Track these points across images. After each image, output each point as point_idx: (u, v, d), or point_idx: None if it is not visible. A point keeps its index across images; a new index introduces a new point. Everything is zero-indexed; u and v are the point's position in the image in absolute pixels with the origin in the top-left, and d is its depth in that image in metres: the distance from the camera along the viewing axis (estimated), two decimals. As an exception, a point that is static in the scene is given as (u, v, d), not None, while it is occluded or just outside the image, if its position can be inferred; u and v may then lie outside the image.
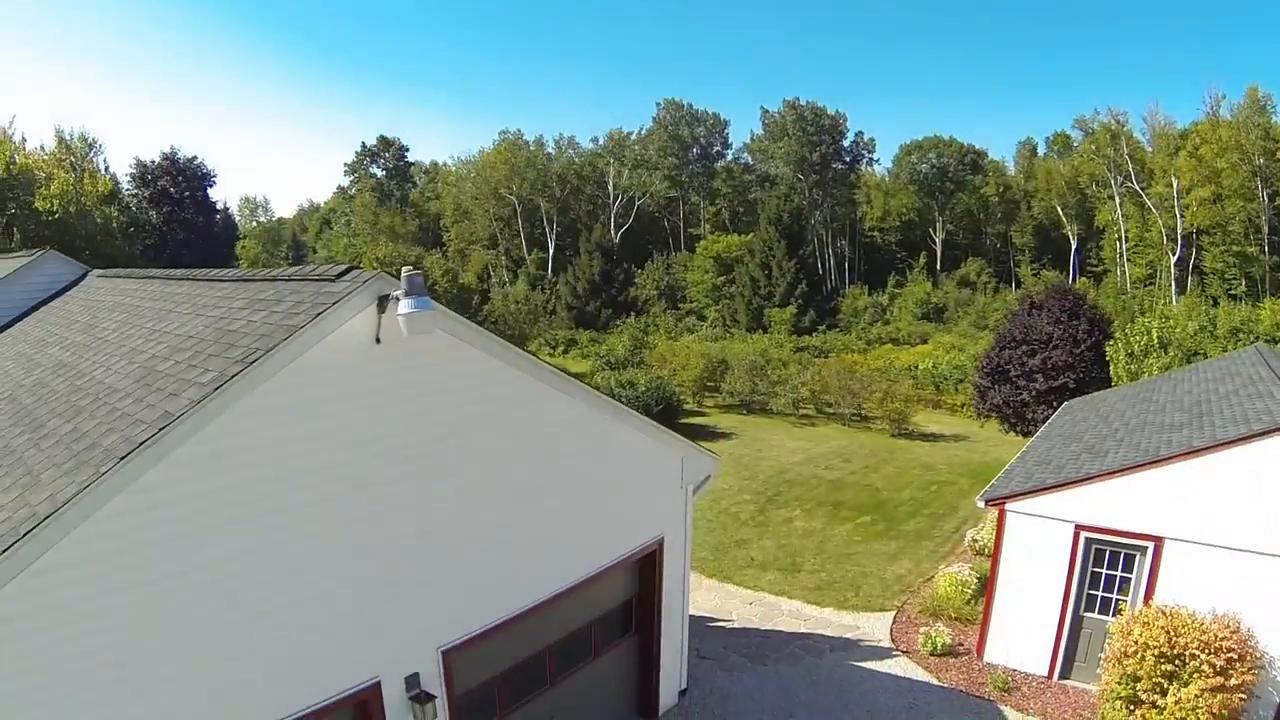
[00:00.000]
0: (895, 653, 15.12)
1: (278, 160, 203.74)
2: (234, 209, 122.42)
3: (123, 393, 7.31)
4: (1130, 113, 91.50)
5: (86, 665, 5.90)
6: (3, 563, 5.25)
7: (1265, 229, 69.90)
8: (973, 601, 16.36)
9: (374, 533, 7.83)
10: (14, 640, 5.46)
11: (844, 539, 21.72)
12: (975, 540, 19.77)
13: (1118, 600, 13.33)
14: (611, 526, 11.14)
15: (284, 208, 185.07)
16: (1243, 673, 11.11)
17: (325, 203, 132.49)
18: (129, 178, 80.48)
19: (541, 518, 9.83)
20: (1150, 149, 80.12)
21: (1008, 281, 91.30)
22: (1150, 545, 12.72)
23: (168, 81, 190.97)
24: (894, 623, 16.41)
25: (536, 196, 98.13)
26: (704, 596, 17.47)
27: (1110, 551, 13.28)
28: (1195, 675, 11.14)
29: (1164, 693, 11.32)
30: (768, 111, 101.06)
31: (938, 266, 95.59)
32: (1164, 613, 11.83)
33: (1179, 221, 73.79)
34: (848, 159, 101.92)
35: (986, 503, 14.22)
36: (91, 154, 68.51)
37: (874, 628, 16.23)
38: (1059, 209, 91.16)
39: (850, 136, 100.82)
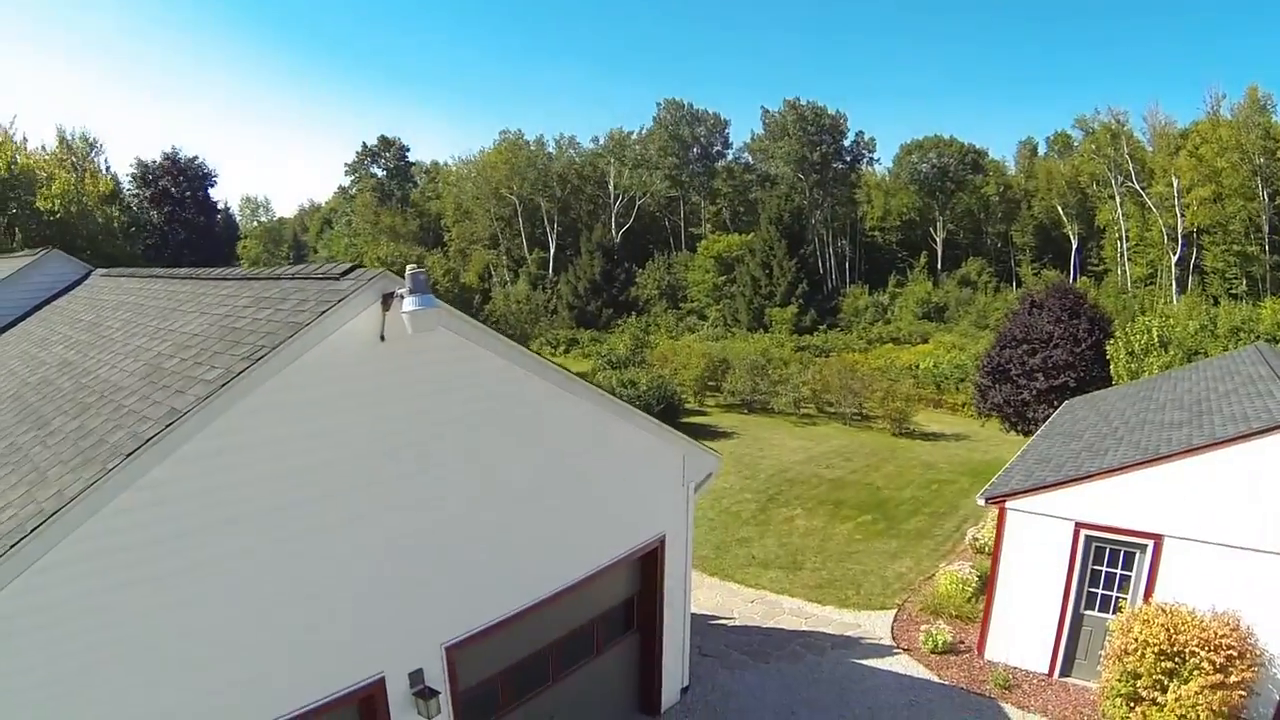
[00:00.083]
0: (896, 650, 15.16)
1: (278, 160, 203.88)
2: (235, 209, 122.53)
3: (129, 390, 7.36)
4: (1130, 112, 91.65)
5: (92, 661, 5.94)
6: (9, 559, 5.28)
7: (1266, 228, 69.92)
8: (973, 600, 16.40)
9: (378, 530, 7.87)
10: (21, 635, 5.50)
11: (845, 537, 21.77)
12: (976, 539, 19.81)
13: (1118, 598, 13.37)
14: (613, 524, 11.19)
15: (285, 208, 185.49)
16: (1242, 670, 11.16)
17: (326, 203, 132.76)
18: (130, 178, 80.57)
19: (544, 515, 9.88)
20: (1150, 148, 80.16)
21: (1008, 281, 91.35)
22: (1150, 543, 12.75)
23: (168, 81, 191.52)
24: (895, 621, 16.45)
25: (537, 196, 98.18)
26: (706, 594, 17.51)
27: (1110, 549, 13.31)
28: (1195, 672, 11.19)
29: (1164, 690, 11.38)
30: (768, 111, 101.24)
31: (938, 266, 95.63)
32: (1164, 610, 11.88)
33: (1179, 221, 73.81)
34: (848, 158, 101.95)
35: (987, 501, 14.26)
36: (92, 154, 68.59)
37: (875, 626, 16.27)
38: (1059, 208, 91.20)
39: (851, 136, 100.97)
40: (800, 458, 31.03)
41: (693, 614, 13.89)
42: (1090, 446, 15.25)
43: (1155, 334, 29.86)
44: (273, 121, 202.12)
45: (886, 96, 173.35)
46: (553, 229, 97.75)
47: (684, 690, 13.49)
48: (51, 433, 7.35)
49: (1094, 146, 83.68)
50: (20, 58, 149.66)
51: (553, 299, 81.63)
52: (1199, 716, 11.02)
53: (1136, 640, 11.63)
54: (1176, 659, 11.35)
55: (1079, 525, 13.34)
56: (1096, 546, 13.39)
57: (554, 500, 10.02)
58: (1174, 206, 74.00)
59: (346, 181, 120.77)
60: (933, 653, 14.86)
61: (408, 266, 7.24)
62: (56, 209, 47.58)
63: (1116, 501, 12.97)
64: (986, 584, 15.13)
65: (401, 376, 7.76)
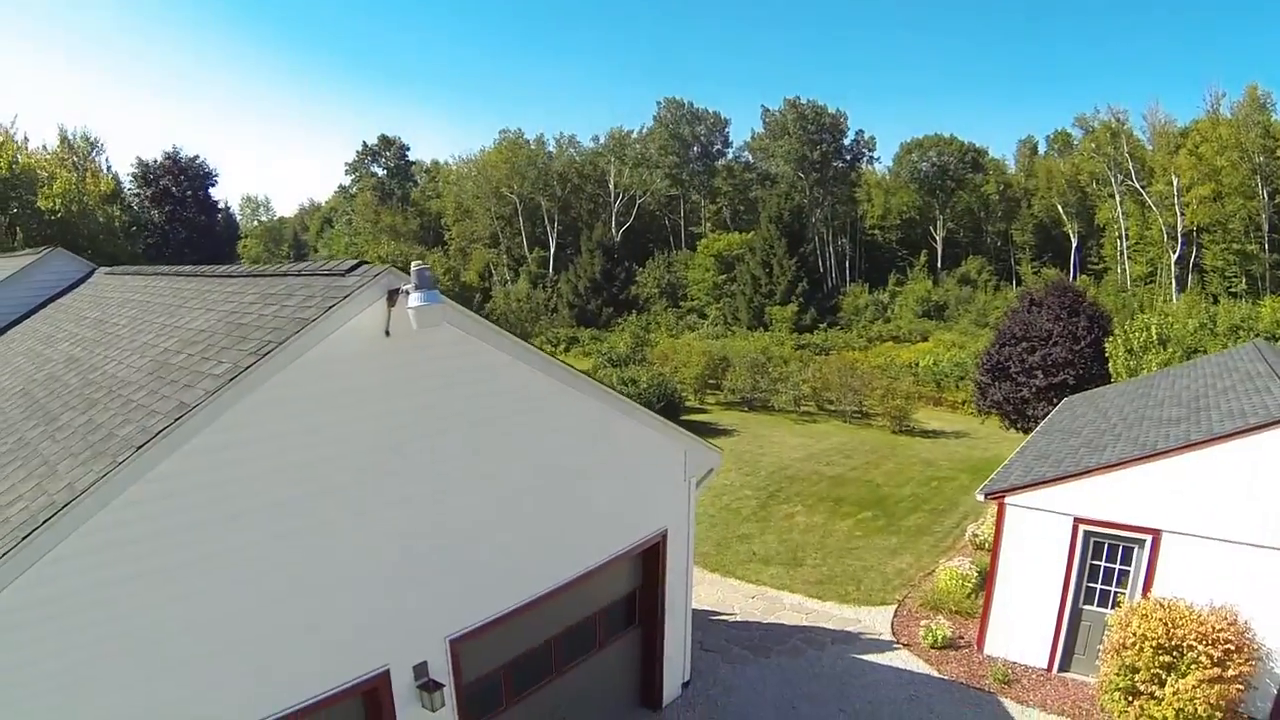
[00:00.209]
0: (896, 645, 15.25)
1: (279, 159, 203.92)
2: (235, 208, 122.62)
3: (136, 385, 7.44)
4: (1130, 111, 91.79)
5: (100, 653, 6.01)
6: (23, 550, 5.36)
7: (1265, 227, 69.94)
8: (973, 595, 16.48)
9: (384, 523, 7.96)
10: (32, 626, 5.58)
11: (845, 534, 21.85)
12: (976, 535, 19.90)
13: (1116, 593, 13.45)
14: (616, 519, 11.28)
15: (285, 207, 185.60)
16: (1240, 664, 11.23)
17: (326, 202, 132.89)
18: (131, 177, 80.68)
19: (547, 510, 9.97)
20: (1150, 147, 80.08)
21: (1008, 279, 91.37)
22: (1148, 538, 12.83)
23: (168, 80, 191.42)
24: (895, 616, 16.53)
25: (537, 195, 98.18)
26: (706, 590, 17.59)
27: (1109, 544, 13.39)
28: (1193, 666, 11.27)
29: (1162, 684, 11.45)
30: (768, 110, 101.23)
31: (938, 264, 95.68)
32: (1162, 605, 11.96)
33: (1179, 219, 73.82)
34: (848, 157, 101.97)
35: (986, 496, 14.34)
36: (93, 153, 68.59)
37: (875, 621, 16.36)
38: (1059, 207, 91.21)
39: (851, 135, 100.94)
40: (800, 455, 31.11)
41: (694, 609, 13.97)
42: (1089, 442, 15.33)
43: (1154, 332, 29.92)
44: (273, 120, 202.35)
45: (887, 95, 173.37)
46: (553, 228, 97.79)
47: (685, 684, 13.57)
48: (60, 427, 7.43)
49: (1094, 145, 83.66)
50: (21, 57, 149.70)
51: (553, 297, 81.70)
52: (1196, 710, 11.09)
53: (1135, 634, 11.70)
54: (1174, 653, 11.42)
55: (1078, 520, 13.42)
56: (1095, 542, 13.46)
57: (557, 495, 10.11)
58: (1174, 205, 74.01)
59: (347, 180, 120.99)
60: (933, 648, 14.94)
61: (413, 262, 7.32)
62: (57, 208, 47.68)
63: (1115, 497, 13.05)
64: (986, 579, 15.20)
65: (406, 372, 7.84)
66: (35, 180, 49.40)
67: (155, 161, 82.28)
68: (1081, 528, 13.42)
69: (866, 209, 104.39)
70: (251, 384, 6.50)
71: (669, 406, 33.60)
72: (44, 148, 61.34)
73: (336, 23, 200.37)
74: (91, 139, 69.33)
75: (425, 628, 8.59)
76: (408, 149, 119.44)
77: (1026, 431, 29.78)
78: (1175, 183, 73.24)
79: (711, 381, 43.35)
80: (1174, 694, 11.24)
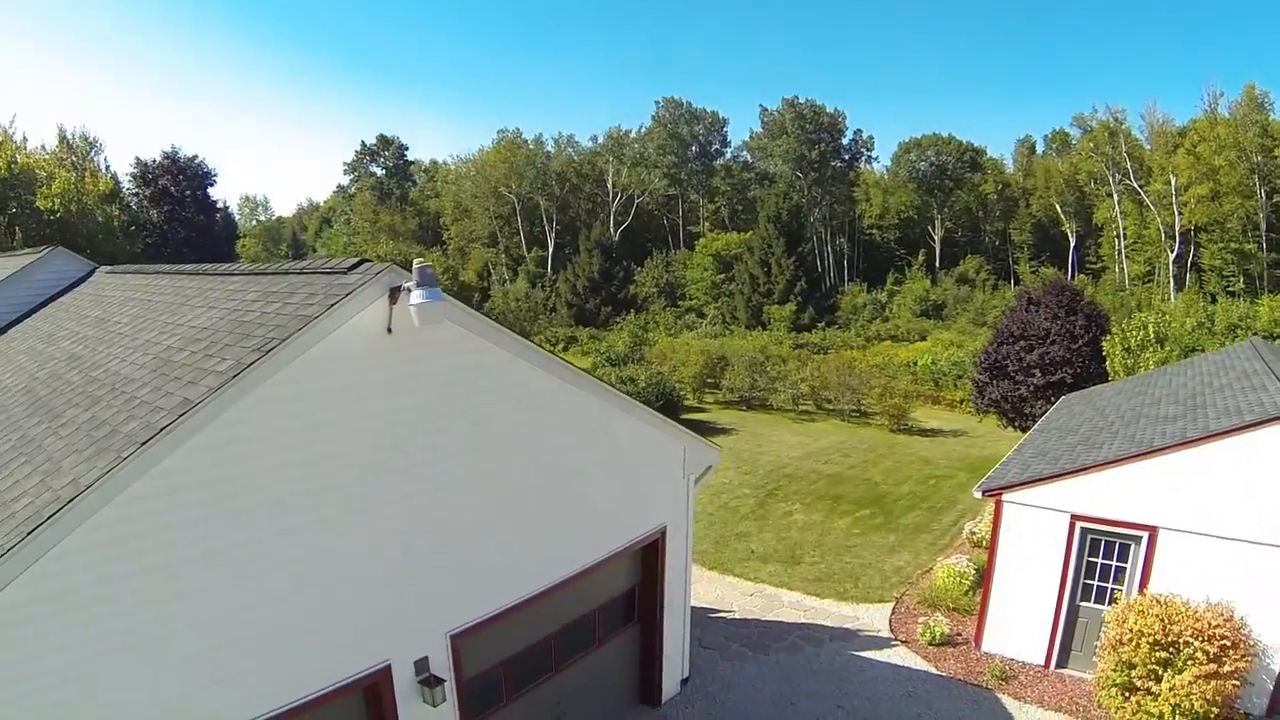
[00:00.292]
0: (894, 642, 15.31)
1: (278, 159, 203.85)
2: (234, 208, 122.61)
3: (140, 382, 7.48)
4: (1128, 110, 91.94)
5: (103, 649, 6.04)
6: (28, 545, 5.40)
7: (1263, 226, 70.14)
8: (971, 592, 16.55)
9: (385, 519, 8.01)
10: (35, 622, 5.61)
11: (843, 532, 21.91)
12: (973, 533, 19.97)
13: (1113, 590, 13.51)
14: (615, 515, 11.33)
15: (283, 207, 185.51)
16: (1236, 660, 11.29)
17: (325, 201, 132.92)
18: (130, 177, 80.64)
19: (547, 506, 10.03)
20: (1148, 146, 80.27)
21: (1006, 278, 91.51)
22: (1145, 535, 12.89)
23: (167, 80, 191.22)
24: (893, 613, 16.59)
25: (536, 195, 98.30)
26: (705, 588, 17.65)
27: (1105, 541, 13.45)
28: (1189, 662, 11.32)
29: (1158, 679, 11.50)
30: (766, 109, 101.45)
31: (936, 264, 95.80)
32: (1158, 601, 12.03)
33: (1177, 219, 74.00)
34: (846, 157, 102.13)
35: (984, 493, 14.39)
36: (92, 153, 68.67)
37: (873, 618, 16.41)
38: (1057, 206, 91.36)
39: (849, 134, 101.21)
40: (799, 453, 31.17)
41: (692, 607, 14.02)
42: (1086, 440, 15.40)
43: (1151, 330, 29.98)
44: (271, 120, 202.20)
45: (885, 94, 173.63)
46: (551, 227, 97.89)
47: (684, 681, 13.63)
48: (64, 424, 7.47)
49: (1092, 144, 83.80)
50: (20, 57, 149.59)
51: (551, 297, 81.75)
52: (1193, 706, 11.15)
53: (1131, 631, 11.77)
54: (1171, 649, 11.48)
55: (1074, 517, 13.48)
56: (1092, 539, 13.53)
57: (557, 492, 10.16)
58: (1172, 204, 74.17)
59: (345, 180, 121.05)
60: (930, 644, 15.00)
61: (415, 260, 7.37)
62: (56, 208, 47.72)
63: (1111, 494, 13.11)
64: (983, 577, 15.25)
65: (408, 369, 7.89)
66: (34, 180, 49.43)
67: (154, 161, 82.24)
68: (1079, 524, 13.48)
69: (865, 208, 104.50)
70: (255, 380, 6.54)
71: (667, 405, 33.63)
72: (43, 148, 61.54)
73: (335, 22, 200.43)
74: (90, 139, 69.45)
75: (426, 623, 8.64)
76: (406, 149, 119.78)
77: (1024, 430, 29.84)
78: (1173, 182, 73.41)
79: (710, 380, 43.43)
80: (1170, 690, 11.30)
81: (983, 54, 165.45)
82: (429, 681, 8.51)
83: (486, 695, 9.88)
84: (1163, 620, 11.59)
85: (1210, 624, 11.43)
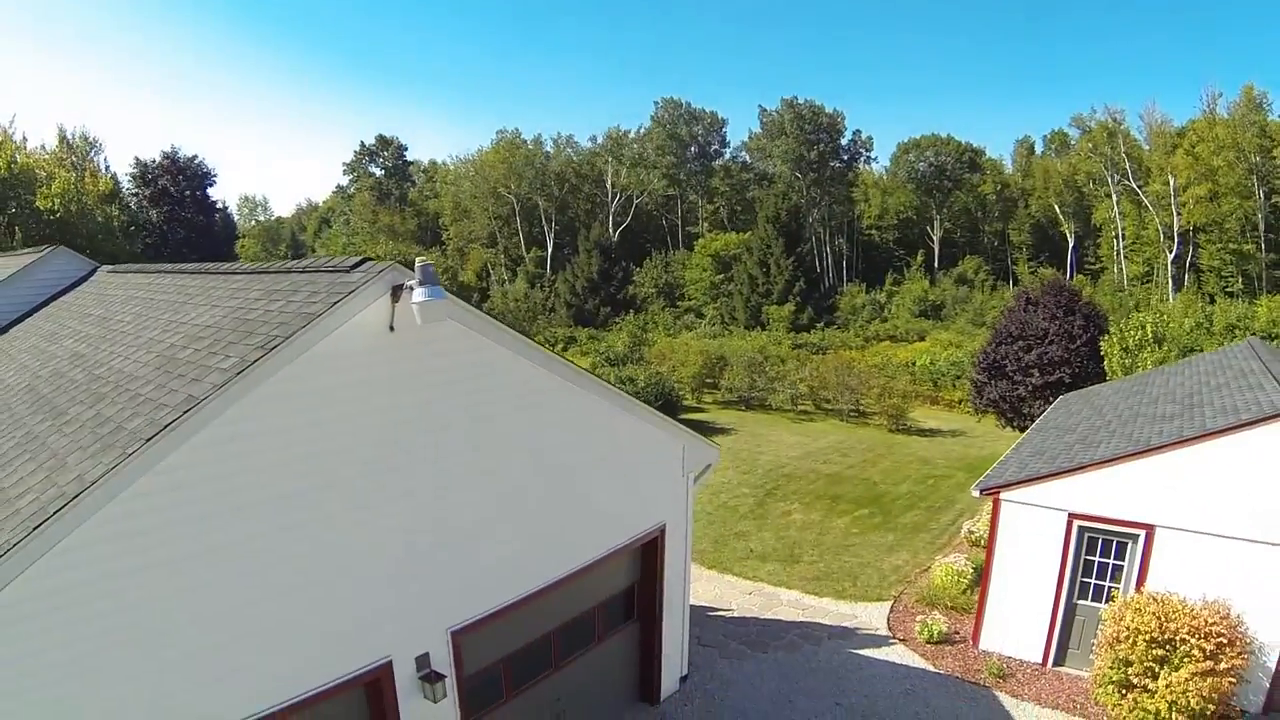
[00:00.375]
0: (892, 641, 15.37)
1: (277, 159, 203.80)
2: (233, 208, 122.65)
3: (143, 379, 7.54)
4: (1127, 111, 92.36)
5: (106, 644, 6.09)
6: (33, 540, 5.45)
7: (1261, 226, 70.22)
8: (969, 591, 16.61)
9: (387, 516, 8.06)
10: (41, 617, 5.65)
11: (842, 531, 21.97)
12: (972, 532, 20.03)
13: (1110, 588, 13.56)
14: (615, 513, 11.39)
15: (282, 207, 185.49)
16: (1232, 657, 11.34)
17: (324, 202, 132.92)
18: (129, 177, 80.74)
19: (548, 504, 10.09)
20: (1147, 147, 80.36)
21: (1005, 279, 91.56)
22: (1142, 533, 12.95)
23: (166, 80, 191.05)
24: (891, 612, 16.65)
25: (535, 195, 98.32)
26: (704, 587, 17.71)
27: (1103, 539, 13.51)
28: (1185, 660, 11.38)
29: (1155, 677, 11.56)
30: (765, 110, 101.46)
31: (935, 264, 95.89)
32: (1155, 599, 12.08)
33: (1175, 219, 74.07)
34: (845, 157, 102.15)
35: (982, 492, 14.45)
36: (92, 153, 68.71)
37: (871, 617, 16.47)
38: (1056, 207, 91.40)
39: (848, 135, 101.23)
40: (797, 453, 31.23)
41: (691, 605, 14.08)
42: (1083, 439, 15.46)
43: (1149, 330, 30.06)
44: (271, 120, 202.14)
45: (884, 95, 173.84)
46: (550, 228, 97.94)
47: (683, 679, 13.68)
48: (68, 421, 7.52)
49: (1091, 145, 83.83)
50: (20, 57, 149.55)
51: (550, 297, 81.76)
52: (1189, 703, 11.20)
53: (1128, 628, 11.82)
54: (1167, 646, 11.53)
55: (1072, 516, 13.54)
56: (1089, 537, 13.59)
57: (557, 489, 10.23)
58: (1170, 205, 74.23)
59: (344, 181, 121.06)
60: (928, 643, 15.06)
61: (417, 259, 7.42)
62: (56, 208, 47.75)
63: (1109, 492, 13.17)
64: (981, 575, 15.30)
65: (410, 367, 7.95)
66: (34, 180, 49.46)
67: (153, 161, 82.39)
68: (1076, 523, 13.54)
69: (863, 209, 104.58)
70: (259, 377, 6.60)
71: (666, 405, 33.66)
72: (43, 147, 61.57)
73: (335, 23, 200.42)
74: (90, 139, 69.48)
75: (427, 620, 8.70)
76: (405, 149, 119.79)
77: (1022, 430, 29.89)
78: (1172, 182, 73.48)
79: (709, 381, 43.51)
80: (1167, 687, 11.35)
81: (982, 54, 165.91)
82: (430, 678, 8.56)
83: (487, 692, 9.94)
84: (1159, 618, 11.64)
85: (1207, 621, 11.49)
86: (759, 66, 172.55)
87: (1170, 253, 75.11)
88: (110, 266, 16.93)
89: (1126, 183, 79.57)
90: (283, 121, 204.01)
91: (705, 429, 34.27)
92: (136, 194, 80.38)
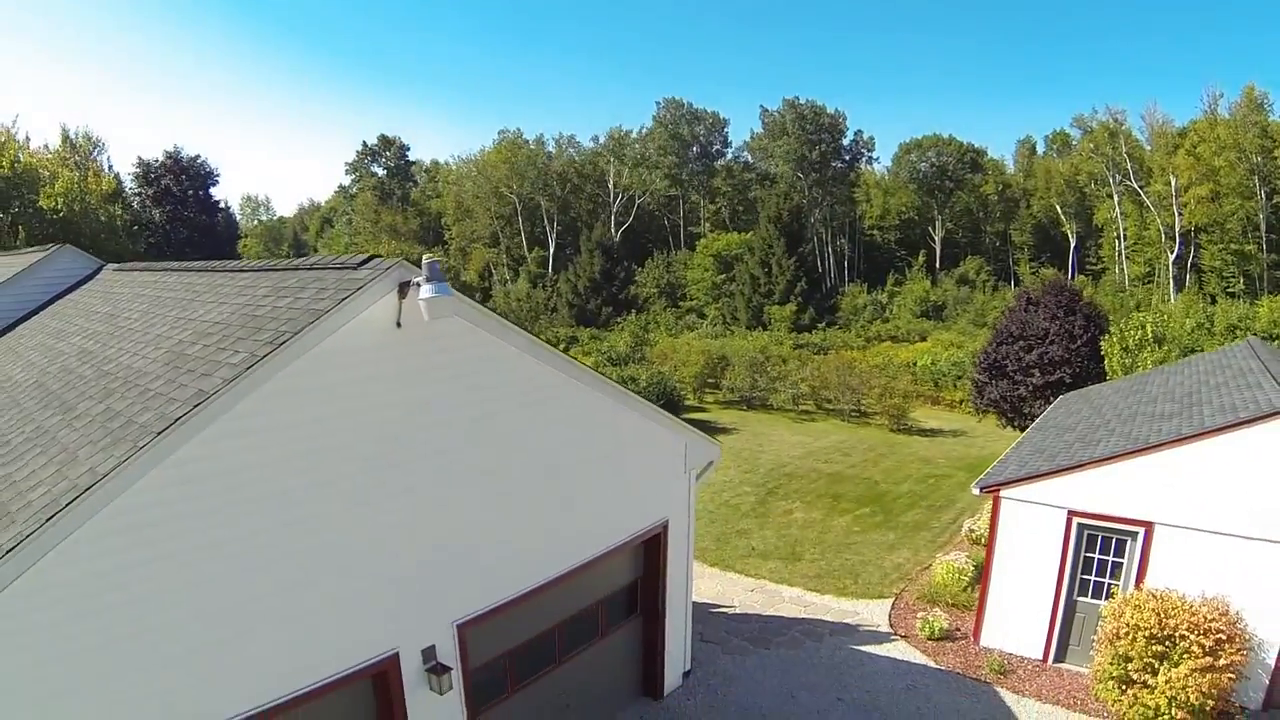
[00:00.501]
0: (894, 637, 15.45)
1: (279, 159, 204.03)
2: (235, 208, 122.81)
3: (153, 375, 7.63)
4: (1129, 111, 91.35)
5: (117, 635, 6.16)
6: (45, 532, 5.53)
7: (1263, 227, 70.19)
8: (969, 588, 16.68)
9: (393, 510, 8.15)
10: (51, 608, 5.72)
11: (843, 530, 22.05)
12: (972, 530, 20.10)
13: (1110, 584, 13.63)
14: (619, 508, 11.49)
15: (285, 207, 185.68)
16: (1231, 654, 11.41)
17: (326, 202, 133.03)
18: (132, 176, 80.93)
19: (552, 499, 10.19)
20: (1149, 147, 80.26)
21: (1007, 279, 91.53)
22: (1141, 530, 13.02)
23: (168, 80, 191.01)
24: (892, 609, 16.73)
25: (537, 195, 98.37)
26: (706, 584, 17.79)
27: (1102, 537, 13.58)
28: (1185, 656, 11.44)
29: (1154, 673, 11.62)
30: (767, 110, 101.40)
31: (937, 265, 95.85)
32: (1155, 596, 12.15)
33: (1177, 219, 74.04)
34: (847, 157, 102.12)
35: (982, 490, 14.52)
36: (95, 153, 68.92)
37: (873, 614, 16.56)
38: (1058, 207, 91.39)
39: (850, 135, 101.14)
40: (799, 453, 31.31)
41: (694, 602, 14.13)
42: (1083, 437, 15.53)
43: (1149, 330, 30.10)
44: (272, 120, 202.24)
45: (886, 95, 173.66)
46: (552, 227, 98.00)
47: (686, 674, 13.77)
48: (77, 416, 7.61)
49: (1092, 145, 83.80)
50: (23, 55, 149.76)
51: (553, 297, 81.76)
52: (1189, 698, 11.26)
53: (1128, 625, 11.89)
54: (1167, 643, 11.60)
55: (1072, 513, 13.62)
56: (1089, 534, 13.66)
57: (562, 484, 10.32)
58: (1172, 205, 74.21)
59: (347, 180, 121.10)
60: (929, 639, 15.14)
61: (424, 256, 7.51)
62: (60, 207, 47.92)
63: (1108, 490, 13.24)
64: (982, 572, 15.37)
65: (417, 363, 8.04)
66: (37, 179, 49.62)
67: (156, 161, 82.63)
68: (1076, 520, 13.62)
69: (865, 209, 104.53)
70: (268, 372, 6.69)
71: (668, 405, 33.70)
72: (46, 147, 61.75)
73: (336, 22, 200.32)
74: (93, 138, 69.67)
75: (433, 613, 8.79)
76: (408, 149, 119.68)
77: (1023, 429, 29.90)
78: (1173, 183, 73.44)
79: (710, 380, 43.59)
80: (1166, 683, 11.41)
81: (983, 54, 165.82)
82: (436, 670, 8.65)
83: (492, 685, 10.02)
84: (1159, 614, 11.71)
85: (1205, 618, 11.56)
86: (760, 66, 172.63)
87: (1172, 253, 75.09)
88: (116, 265, 17.00)
89: (1128, 183, 79.54)
90: (285, 121, 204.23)
91: (707, 428, 34.27)
92: (139, 194, 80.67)
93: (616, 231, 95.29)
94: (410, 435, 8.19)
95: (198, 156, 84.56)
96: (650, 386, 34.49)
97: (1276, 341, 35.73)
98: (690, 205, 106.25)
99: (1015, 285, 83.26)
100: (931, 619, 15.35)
